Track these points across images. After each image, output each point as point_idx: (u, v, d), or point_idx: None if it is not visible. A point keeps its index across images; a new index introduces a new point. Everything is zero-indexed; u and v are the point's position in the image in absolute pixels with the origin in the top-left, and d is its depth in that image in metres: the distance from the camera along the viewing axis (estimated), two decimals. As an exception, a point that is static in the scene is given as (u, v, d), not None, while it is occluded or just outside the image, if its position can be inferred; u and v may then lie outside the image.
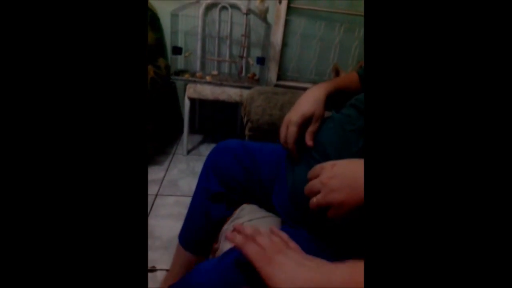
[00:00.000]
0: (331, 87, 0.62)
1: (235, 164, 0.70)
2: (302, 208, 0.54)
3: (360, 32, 1.89)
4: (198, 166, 1.65)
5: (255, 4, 1.59)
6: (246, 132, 1.00)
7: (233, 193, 0.70)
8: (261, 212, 0.67)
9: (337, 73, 1.45)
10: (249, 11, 1.67)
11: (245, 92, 1.66)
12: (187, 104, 1.65)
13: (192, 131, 2.05)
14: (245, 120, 1.03)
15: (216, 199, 0.69)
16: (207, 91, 1.62)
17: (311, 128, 0.58)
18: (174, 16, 1.58)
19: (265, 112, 0.98)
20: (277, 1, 1.77)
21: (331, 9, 1.83)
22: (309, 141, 0.57)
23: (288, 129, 0.58)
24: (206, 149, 1.86)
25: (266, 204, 0.69)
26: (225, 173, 0.70)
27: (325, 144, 0.56)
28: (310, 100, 0.59)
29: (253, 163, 0.70)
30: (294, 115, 0.58)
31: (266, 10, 1.60)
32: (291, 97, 1.05)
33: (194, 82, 1.64)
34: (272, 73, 1.95)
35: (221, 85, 1.65)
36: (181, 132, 1.73)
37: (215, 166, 0.70)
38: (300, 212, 0.55)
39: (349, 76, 0.69)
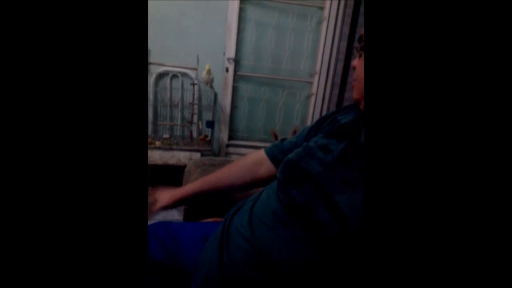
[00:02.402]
0: (182, 194, 0.75)
1: (157, 246, 0.72)
2: None
3: (301, 96, 2.09)
4: (147, 232, 1.61)
5: (202, 75, 1.73)
6: (183, 206, 1.03)
7: (155, 276, 0.71)
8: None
9: (275, 137, 1.58)
10: (196, 81, 1.80)
11: (195, 155, 1.72)
12: (136, 169, 1.66)
13: (145, 193, 2.03)
14: (182, 193, 1.06)
15: None
16: (156, 157, 1.66)
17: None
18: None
19: (200, 186, 1.03)
20: (224, 70, 1.94)
21: (274, 75, 2.03)
22: None
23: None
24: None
25: (190, 288, 0.70)
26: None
27: None
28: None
29: (175, 245, 0.72)
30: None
31: (212, 80, 1.74)
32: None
33: (144, 148, 1.67)
34: (223, 134, 2.05)
35: (170, 149, 1.70)
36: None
37: None
38: None
39: (226, 171, 0.78)
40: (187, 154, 1.71)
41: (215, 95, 1.89)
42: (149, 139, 1.74)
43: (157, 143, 1.71)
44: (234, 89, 2.00)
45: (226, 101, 1.99)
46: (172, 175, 2.05)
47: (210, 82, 1.74)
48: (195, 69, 1.80)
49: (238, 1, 1.83)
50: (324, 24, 1.95)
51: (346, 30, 1.93)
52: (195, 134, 1.89)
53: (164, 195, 0.71)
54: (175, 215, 1.84)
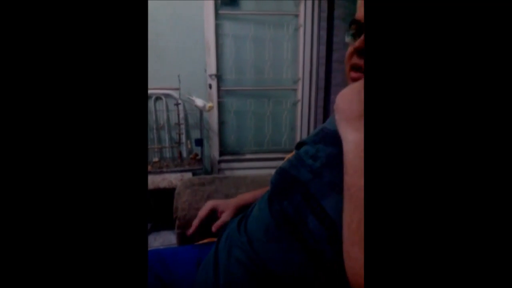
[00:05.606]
0: (239, 203, 0.80)
1: (148, 277, 0.69)
2: None
3: (287, 104, 2.08)
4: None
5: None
6: (175, 230, 0.99)
7: None
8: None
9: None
10: (180, 101, 1.78)
11: (186, 175, 1.69)
12: (127, 197, 1.62)
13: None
14: (174, 217, 1.02)
15: None
16: (147, 182, 1.62)
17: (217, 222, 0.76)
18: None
19: (191, 207, 0.99)
20: (207, 87, 1.93)
21: (258, 87, 2.02)
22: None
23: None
24: (154, 239, 1.78)
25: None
26: None
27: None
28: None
29: (167, 273, 0.69)
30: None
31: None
32: (218, 185, 1.08)
33: (133, 174, 1.63)
34: (214, 151, 2.02)
35: (161, 172, 1.67)
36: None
37: None
38: None
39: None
40: (178, 175, 1.67)
41: (201, 112, 1.87)
42: (138, 165, 1.70)
43: (148, 168, 1.67)
44: (220, 105, 1.99)
45: (212, 117, 1.97)
46: (165, 198, 2.01)
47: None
48: (178, 89, 1.79)
49: (214, 18, 1.84)
50: (301, 30, 1.97)
51: (324, 34, 1.94)
52: (184, 154, 1.86)
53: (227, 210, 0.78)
54: (172, 239, 1.79)
